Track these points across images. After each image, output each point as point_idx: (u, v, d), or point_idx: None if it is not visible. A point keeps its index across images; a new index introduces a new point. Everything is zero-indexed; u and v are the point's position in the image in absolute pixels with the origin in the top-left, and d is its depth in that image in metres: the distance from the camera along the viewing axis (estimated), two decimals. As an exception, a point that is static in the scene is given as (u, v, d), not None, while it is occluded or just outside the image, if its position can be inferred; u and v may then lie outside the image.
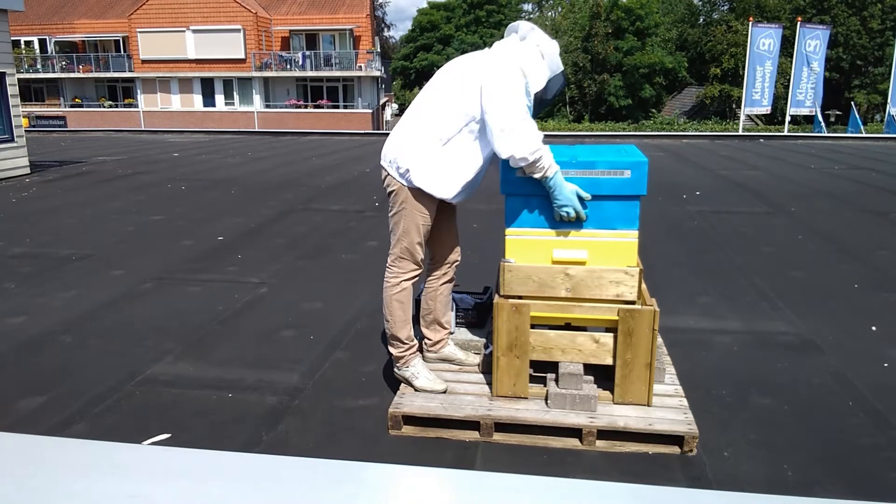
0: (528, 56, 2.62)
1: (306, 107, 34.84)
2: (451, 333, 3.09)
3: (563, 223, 2.60)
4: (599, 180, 2.56)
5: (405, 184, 2.65)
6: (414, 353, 2.85)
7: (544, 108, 2.80)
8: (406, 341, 2.82)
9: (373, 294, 4.20)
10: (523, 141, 2.44)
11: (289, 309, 4.20)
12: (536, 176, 2.50)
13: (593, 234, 2.62)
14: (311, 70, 34.20)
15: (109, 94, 36.38)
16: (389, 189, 2.71)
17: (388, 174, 2.70)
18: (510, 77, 2.52)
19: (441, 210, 2.79)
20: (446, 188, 2.64)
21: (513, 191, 2.62)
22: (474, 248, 5.67)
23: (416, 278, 2.81)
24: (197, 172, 11.34)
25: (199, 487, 0.92)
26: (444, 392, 2.76)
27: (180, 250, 5.78)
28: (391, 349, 2.87)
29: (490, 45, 2.78)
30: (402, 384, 2.85)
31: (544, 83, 2.65)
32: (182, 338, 3.74)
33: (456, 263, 3.00)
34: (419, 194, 2.65)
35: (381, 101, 36.73)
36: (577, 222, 2.59)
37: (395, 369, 2.88)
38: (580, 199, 2.54)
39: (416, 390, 2.78)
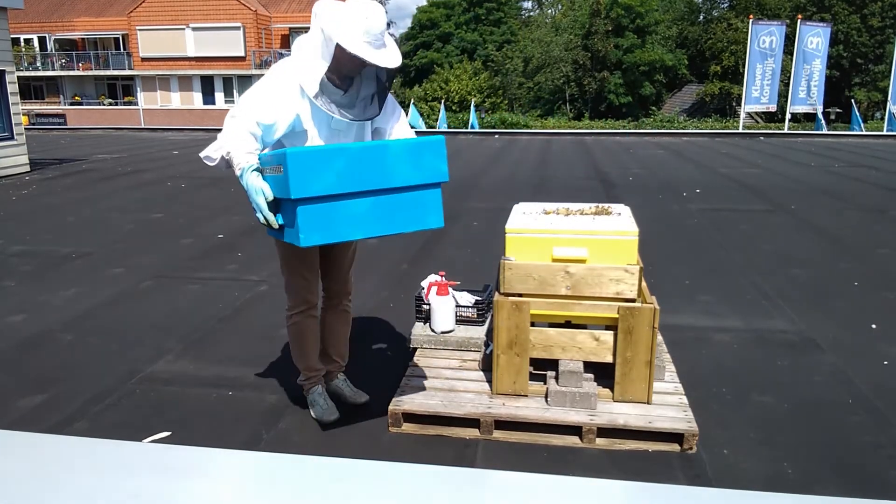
0: (304, 49, 2.36)
1: (306, 104, 34.80)
2: (343, 368, 2.91)
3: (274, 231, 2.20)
4: (277, 178, 2.10)
5: None
6: (313, 382, 2.76)
7: (378, 88, 2.39)
8: (305, 371, 2.75)
9: (373, 291, 4.19)
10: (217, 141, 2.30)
11: (289, 307, 4.19)
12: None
13: (593, 232, 2.61)
14: (311, 68, 34.14)
15: (109, 91, 36.34)
16: None
17: None
18: (254, 87, 2.37)
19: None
20: None
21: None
22: (474, 247, 5.67)
23: (305, 313, 2.65)
24: (197, 170, 11.32)
25: (199, 485, 0.92)
26: (334, 423, 2.67)
27: (180, 248, 5.78)
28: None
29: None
30: (403, 381, 2.85)
31: (328, 61, 2.30)
32: (182, 336, 3.74)
33: (347, 295, 2.83)
34: None
35: (381, 99, 36.66)
36: (275, 230, 2.20)
37: None
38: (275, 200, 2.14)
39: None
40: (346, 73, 2.31)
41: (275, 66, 2.43)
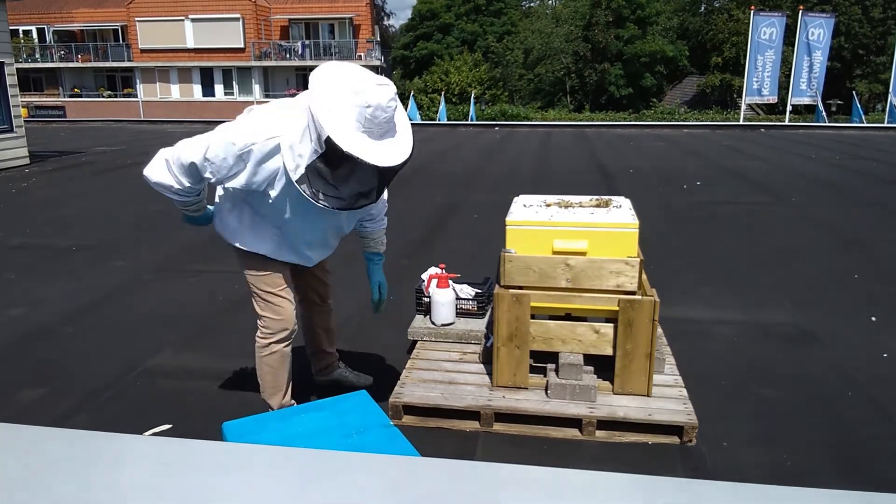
0: (292, 121, 2.02)
1: (306, 96, 34.72)
2: (337, 355, 2.93)
3: None
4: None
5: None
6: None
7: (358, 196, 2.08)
8: (277, 407, 2.56)
9: (373, 285, 4.18)
10: (154, 164, 2.36)
11: (289, 299, 4.19)
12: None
13: (594, 224, 2.61)
14: (311, 59, 34.04)
15: (108, 83, 36.25)
16: None
17: None
18: (227, 132, 2.09)
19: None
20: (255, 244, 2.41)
21: None
22: (474, 239, 5.66)
23: (288, 342, 2.50)
24: (196, 163, 11.29)
25: (200, 478, 0.92)
26: None
27: (181, 241, 5.77)
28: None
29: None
30: (403, 373, 2.86)
31: (317, 147, 1.95)
32: (182, 329, 3.74)
33: (328, 297, 2.85)
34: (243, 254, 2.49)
35: (381, 91, 36.53)
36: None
37: None
38: None
39: None
40: (338, 164, 1.96)
41: (263, 113, 2.13)
